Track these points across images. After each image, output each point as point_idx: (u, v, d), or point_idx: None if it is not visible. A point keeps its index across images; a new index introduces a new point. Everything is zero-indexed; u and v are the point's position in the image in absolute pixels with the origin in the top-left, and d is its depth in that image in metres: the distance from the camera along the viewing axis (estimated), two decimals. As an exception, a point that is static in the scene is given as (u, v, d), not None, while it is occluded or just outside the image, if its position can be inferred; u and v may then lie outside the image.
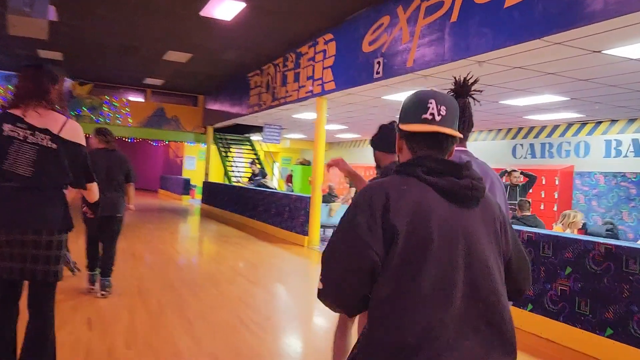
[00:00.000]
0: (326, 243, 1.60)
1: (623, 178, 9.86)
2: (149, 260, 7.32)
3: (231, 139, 18.92)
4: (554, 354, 4.32)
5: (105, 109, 16.81)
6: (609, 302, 4.14)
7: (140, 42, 11.19)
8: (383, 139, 2.95)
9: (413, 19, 6.94)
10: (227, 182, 17.19)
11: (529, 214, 6.31)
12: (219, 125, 17.07)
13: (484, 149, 12.80)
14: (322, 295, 1.40)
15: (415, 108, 1.46)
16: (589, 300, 4.32)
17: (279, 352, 4.08)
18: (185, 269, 6.83)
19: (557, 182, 10.64)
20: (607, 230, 8.88)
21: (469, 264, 1.33)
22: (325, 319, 4.89)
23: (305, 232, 9.73)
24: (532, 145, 11.90)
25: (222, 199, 15.16)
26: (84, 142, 2.73)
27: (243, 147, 19.35)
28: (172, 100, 18.07)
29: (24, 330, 2.65)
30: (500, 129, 12.83)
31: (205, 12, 8.61)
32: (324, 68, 9.41)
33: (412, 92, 1.54)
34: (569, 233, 5.50)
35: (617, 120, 10.05)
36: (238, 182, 17.15)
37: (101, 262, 5.15)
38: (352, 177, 3.00)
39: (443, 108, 1.44)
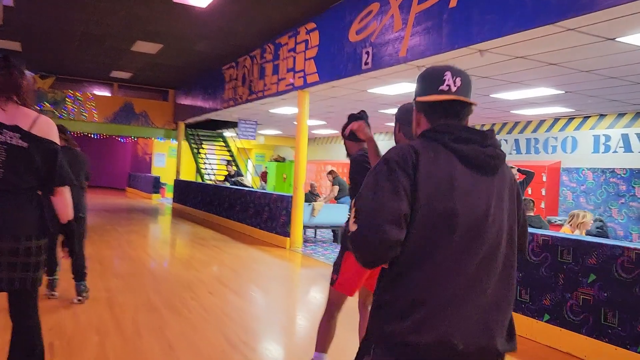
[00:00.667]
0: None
1: (612, 174, 9.64)
2: (120, 269, 6.65)
3: (203, 135, 18.19)
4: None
5: (69, 104, 15.85)
6: (642, 313, 3.74)
7: (106, 31, 10.40)
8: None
9: (406, 5, 6.46)
10: (199, 180, 16.47)
11: (532, 214, 5.91)
12: (190, 120, 16.32)
13: (468, 144, 12.45)
14: (357, 236, 1.37)
15: (431, 81, 1.53)
16: (617, 311, 3.92)
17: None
18: (161, 279, 6.19)
19: (544, 179, 10.37)
20: (597, 228, 8.62)
21: (489, 231, 1.40)
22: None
23: (286, 234, 9.17)
24: (517, 141, 11.62)
25: (196, 198, 14.44)
26: (57, 140, 2.50)
27: (216, 143, 18.62)
28: (141, 95, 17.23)
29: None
30: (484, 125, 12.52)
31: (179, -3, 7.96)
32: (306, 59, 8.86)
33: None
34: (590, 237, 5.12)
35: (606, 115, 9.83)
36: (211, 180, 16.45)
37: (72, 267, 4.84)
38: (370, 143, 2.78)
39: (458, 79, 1.50)
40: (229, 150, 18.51)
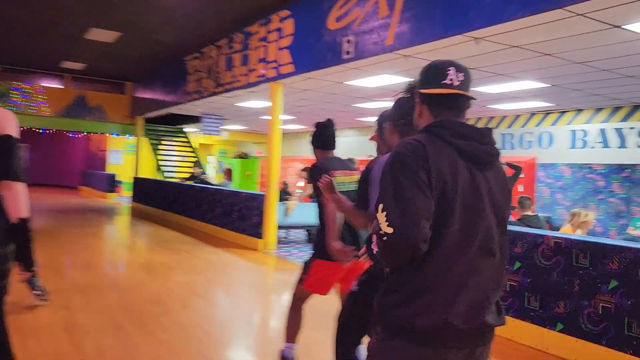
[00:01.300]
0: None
1: (590, 170, 9.53)
2: (78, 281, 5.92)
3: (163, 131, 17.30)
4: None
5: (16, 96, 14.67)
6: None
7: (57, 17, 9.49)
8: (316, 137, 3.26)
9: (393, -10, 6.00)
10: (160, 178, 15.61)
11: (530, 213, 5.58)
12: (150, 115, 15.42)
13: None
14: (395, 238, 1.38)
15: (435, 74, 1.60)
16: (643, 320, 3.59)
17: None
18: (126, 291, 5.50)
19: (521, 175, 10.16)
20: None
21: (485, 219, 1.51)
22: (311, 344, 3.85)
23: (259, 235, 8.61)
24: (491, 136, 11.41)
25: (157, 197, 13.62)
26: (14, 133, 2.16)
27: (176, 139, 17.75)
28: (96, 87, 16.19)
29: None
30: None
31: (141, -22, 7.25)
32: (279, 49, 8.29)
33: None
34: (611, 239, 4.79)
35: (583, 110, 9.71)
36: (172, 177, 15.63)
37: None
38: (336, 203, 2.60)
39: (461, 74, 1.59)
40: (191, 147, 17.69)
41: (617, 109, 9.19)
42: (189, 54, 11.84)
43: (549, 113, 10.30)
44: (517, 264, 4.41)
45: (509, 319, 4.41)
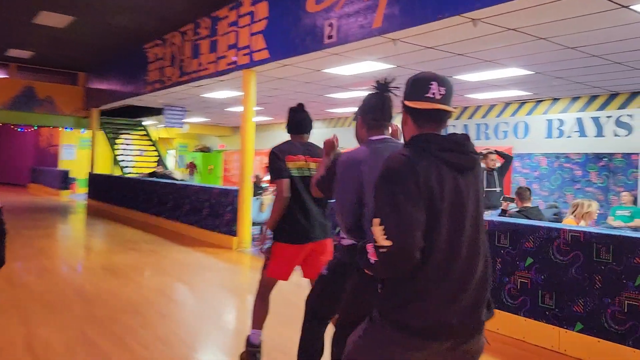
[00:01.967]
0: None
1: (566, 159, 9.47)
2: (37, 290, 5.25)
3: (121, 124, 16.37)
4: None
5: (-45, 87, 13.48)
6: None
7: (2, -4, 8.62)
8: (289, 121, 3.27)
9: (381, -32, 5.60)
10: (119, 174, 14.76)
11: (530, 204, 5.32)
12: (106, 107, 14.52)
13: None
14: (394, 250, 1.49)
15: (419, 88, 1.69)
16: (675, 319, 3.35)
17: None
18: (94, 301, 4.88)
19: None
20: (554, 214, 8.38)
21: (469, 221, 1.62)
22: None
23: (233, 232, 8.08)
24: (466, 127, 11.25)
25: (116, 194, 12.79)
26: None
27: (135, 133, 16.85)
28: (45, 78, 15.09)
29: None
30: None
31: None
32: (252, 34, 7.76)
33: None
34: (637, 232, 4.56)
35: (559, 99, 9.63)
36: (131, 173, 14.80)
37: None
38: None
39: (442, 89, 1.68)
40: (150, 140, 16.85)
41: (593, 97, 9.14)
42: (150, 41, 11.10)
43: (524, 102, 10.19)
44: (529, 260, 4.12)
45: (520, 319, 4.13)
